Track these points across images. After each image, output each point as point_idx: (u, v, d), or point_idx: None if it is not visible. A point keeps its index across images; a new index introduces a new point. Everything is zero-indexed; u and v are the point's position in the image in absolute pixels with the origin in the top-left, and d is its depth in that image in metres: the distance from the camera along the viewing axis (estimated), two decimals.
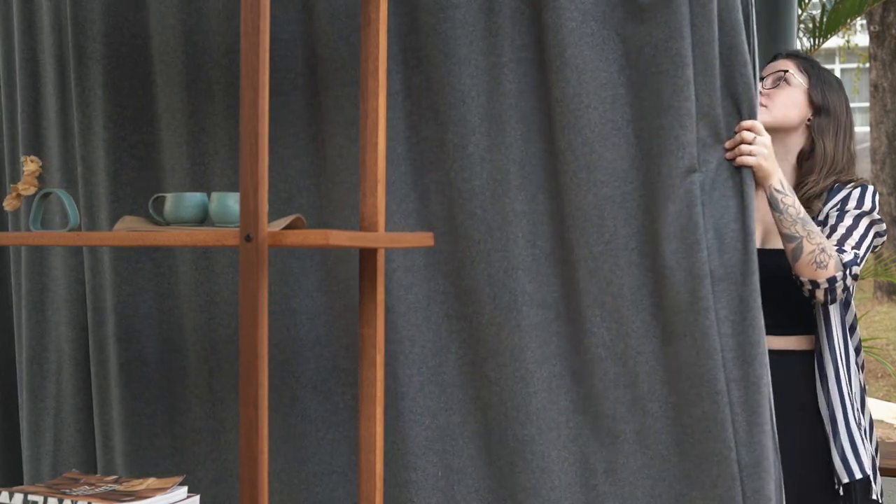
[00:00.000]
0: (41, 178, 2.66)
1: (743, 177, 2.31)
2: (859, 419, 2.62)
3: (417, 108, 2.44)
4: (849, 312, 2.67)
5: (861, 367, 2.70)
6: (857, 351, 2.69)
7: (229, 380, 2.61)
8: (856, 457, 2.58)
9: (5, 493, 2.20)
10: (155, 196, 2.21)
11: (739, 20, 2.29)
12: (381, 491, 2.10)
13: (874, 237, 2.61)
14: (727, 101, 2.32)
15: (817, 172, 2.68)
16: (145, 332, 2.68)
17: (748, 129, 2.31)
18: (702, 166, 2.29)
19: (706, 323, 2.26)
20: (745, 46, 2.29)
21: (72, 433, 2.80)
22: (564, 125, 2.32)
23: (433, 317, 2.44)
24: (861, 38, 15.81)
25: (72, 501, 2.15)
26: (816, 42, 6.84)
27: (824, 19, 6.74)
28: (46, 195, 2.24)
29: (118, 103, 2.65)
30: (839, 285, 2.48)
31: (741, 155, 2.31)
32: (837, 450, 2.59)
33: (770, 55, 4.12)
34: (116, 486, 2.25)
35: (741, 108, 2.32)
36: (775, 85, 2.74)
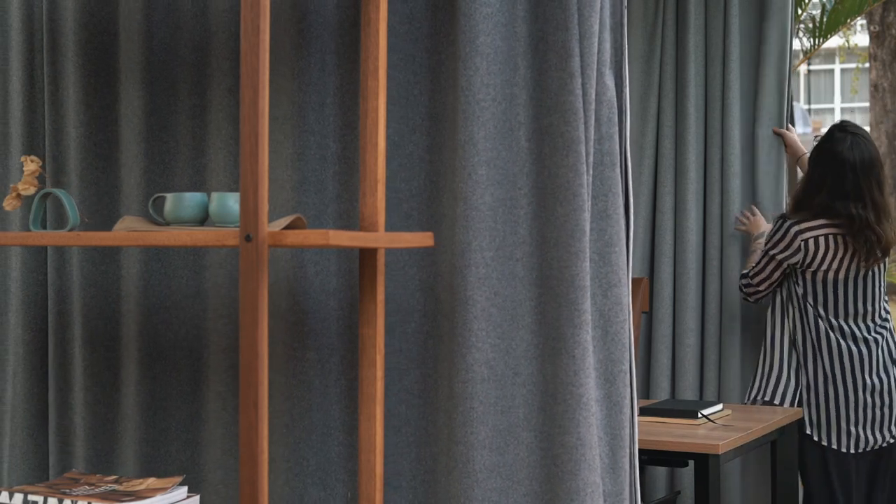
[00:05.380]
0: (40, 178, 2.66)
1: (625, 175, 2.23)
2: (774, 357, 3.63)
3: (354, 106, 2.37)
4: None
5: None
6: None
7: (203, 383, 2.56)
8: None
9: (5, 494, 2.20)
10: (155, 196, 2.21)
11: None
12: (381, 491, 2.10)
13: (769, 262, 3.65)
14: (608, 95, 2.21)
15: None
16: (111, 335, 2.63)
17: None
18: (590, 168, 2.17)
19: (586, 338, 2.13)
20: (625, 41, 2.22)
21: (24, 438, 2.74)
22: (468, 116, 2.21)
23: (354, 326, 2.36)
24: (861, 38, 15.80)
25: (72, 501, 2.14)
26: (816, 42, 6.84)
27: (824, 19, 6.74)
28: (46, 195, 2.24)
29: (86, 102, 2.64)
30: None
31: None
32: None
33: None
34: (116, 486, 2.25)
35: (622, 102, 2.21)
36: None
